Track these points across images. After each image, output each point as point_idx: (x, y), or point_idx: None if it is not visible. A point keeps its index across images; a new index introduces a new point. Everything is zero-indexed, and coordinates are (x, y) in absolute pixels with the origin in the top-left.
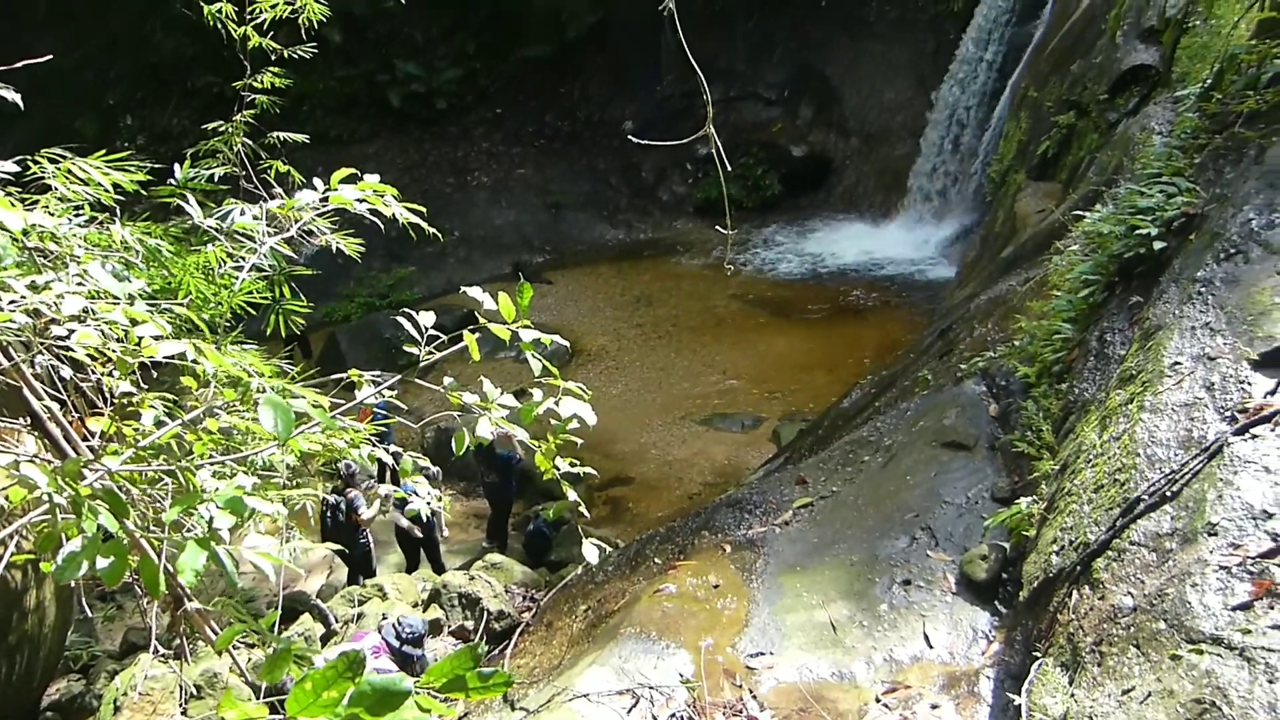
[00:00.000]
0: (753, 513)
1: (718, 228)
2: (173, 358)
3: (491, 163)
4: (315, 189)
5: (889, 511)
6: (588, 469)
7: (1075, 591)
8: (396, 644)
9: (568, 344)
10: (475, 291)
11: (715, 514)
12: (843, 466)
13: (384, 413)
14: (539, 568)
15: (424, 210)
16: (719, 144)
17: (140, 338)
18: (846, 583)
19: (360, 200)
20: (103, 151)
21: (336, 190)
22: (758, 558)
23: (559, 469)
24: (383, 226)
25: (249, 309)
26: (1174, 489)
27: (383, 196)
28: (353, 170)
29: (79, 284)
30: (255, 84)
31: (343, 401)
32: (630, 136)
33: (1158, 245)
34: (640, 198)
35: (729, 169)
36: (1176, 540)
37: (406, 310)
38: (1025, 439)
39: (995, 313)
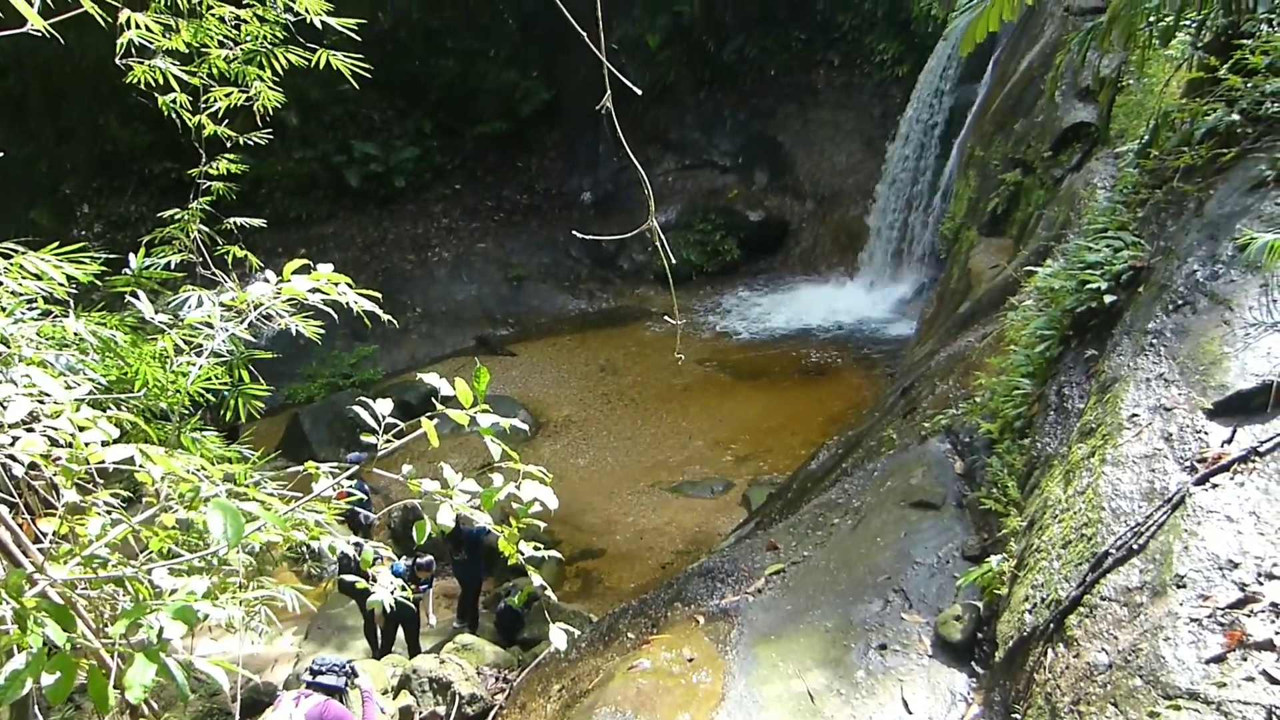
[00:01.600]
0: (725, 581)
1: (666, 318)
2: (121, 462)
3: (451, 238)
4: (268, 280)
5: (861, 575)
6: (552, 552)
7: (1050, 650)
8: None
9: (533, 416)
10: (431, 377)
11: (687, 584)
12: (813, 530)
13: (362, 493)
14: (511, 646)
15: (379, 296)
16: (663, 238)
17: (87, 443)
18: (822, 650)
19: (314, 290)
20: (55, 244)
21: (289, 282)
22: (732, 628)
23: (523, 553)
24: (343, 304)
25: (207, 396)
26: (1140, 542)
27: (337, 285)
28: (305, 261)
29: (27, 385)
30: (211, 171)
31: (299, 494)
32: (577, 233)
33: (1108, 299)
34: (601, 267)
35: (672, 261)
36: (1146, 594)
37: (363, 399)
38: (992, 496)
39: (955, 369)
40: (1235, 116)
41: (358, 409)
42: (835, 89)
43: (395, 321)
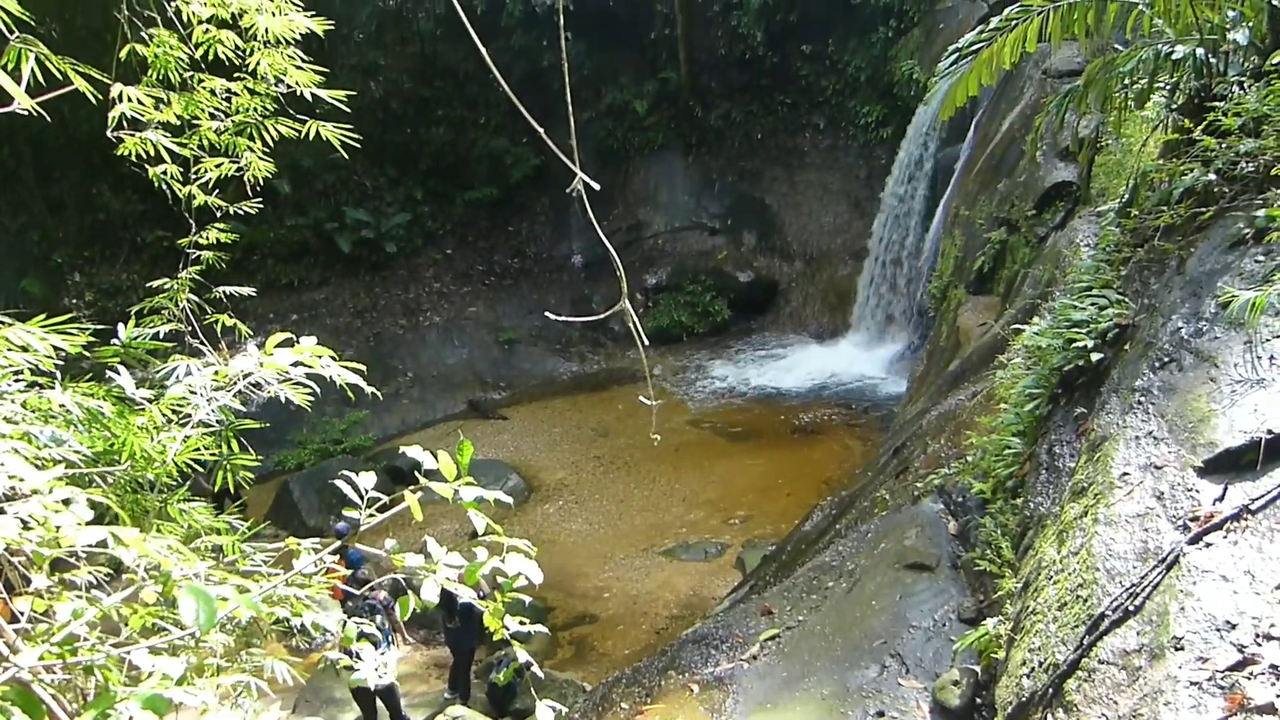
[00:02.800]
0: (719, 648)
1: (642, 399)
2: (94, 545)
3: (442, 302)
4: (252, 353)
5: (857, 639)
6: (539, 627)
7: (1049, 715)
8: None
9: (525, 480)
10: (415, 450)
11: (681, 651)
12: (808, 594)
13: (352, 559)
14: (503, 718)
15: (363, 369)
16: (635, 317)
17: (59, 526)
18: (819, 718)
19: (296, 364)
20: (43, 315)
21: (271, 356)
22: (726, 697)
23: (508, 628)
24: (327, 377)
25: (195, 466)
26: (1136, 603)
27: (320, 358)
28: (288, 334)
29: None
30: (201, 240)
31: (284, 570)
32: (550, 314)
33: (1095, 357)
34: (592, 330)
35: (646, 342)
36: (1145, 656)
37: (345, 473)
38: (986, 557)
39: (946, 428)
40: (1211, 176)
41: (340, 483)
42: (821, 151)
43: (379, 394)
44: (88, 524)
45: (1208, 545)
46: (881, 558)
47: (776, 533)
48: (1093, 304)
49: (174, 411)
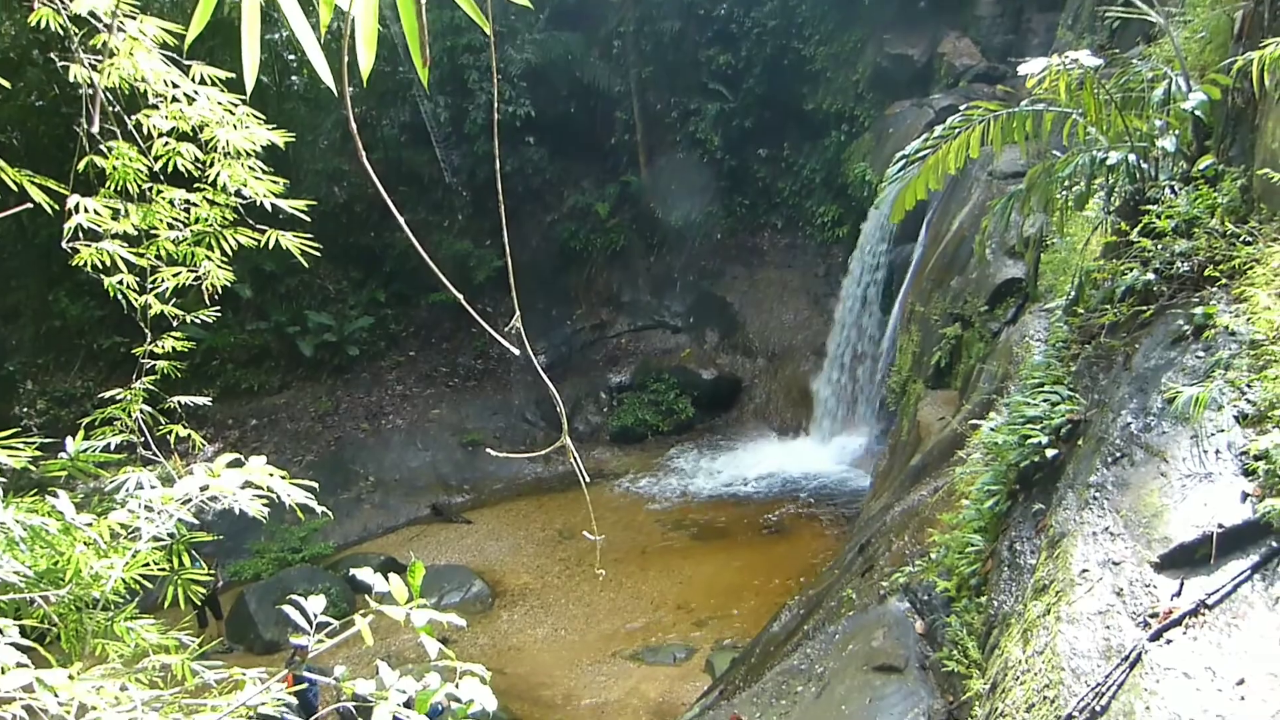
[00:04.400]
0: None
1: (586, 534)
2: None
3: (405, 405)
4: (198, 476)
5: None
6: None
7: None
8: None
9: (489, 586)
10: (365, 574)
11: None
12: (777, 699)
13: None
14: None
15: (315, 486)
16: (577, 457)
17: None
18: None
19: (245, 486)
20: None
21: (219, 477)
22: None
23: None
24: (293, 473)
25: (145, 581)
26: (1103, 703)
27: (271, 477)
28: (236, 455)
29: None
30: (156, 349)
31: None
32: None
33: (1050, 453)
34: (556, 430)
35: (588, 479)
36: None
37: (293, 598)
38: (953, 657)
39: (910, 525)
40: (1151, 276)
41: (287, 609)
42: (780, 250)
43: (334, 507)
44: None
45: (1168, 642)
46: (850, 660)
47: (745, 633)
48: (1045, 400)
49: (123, 526)
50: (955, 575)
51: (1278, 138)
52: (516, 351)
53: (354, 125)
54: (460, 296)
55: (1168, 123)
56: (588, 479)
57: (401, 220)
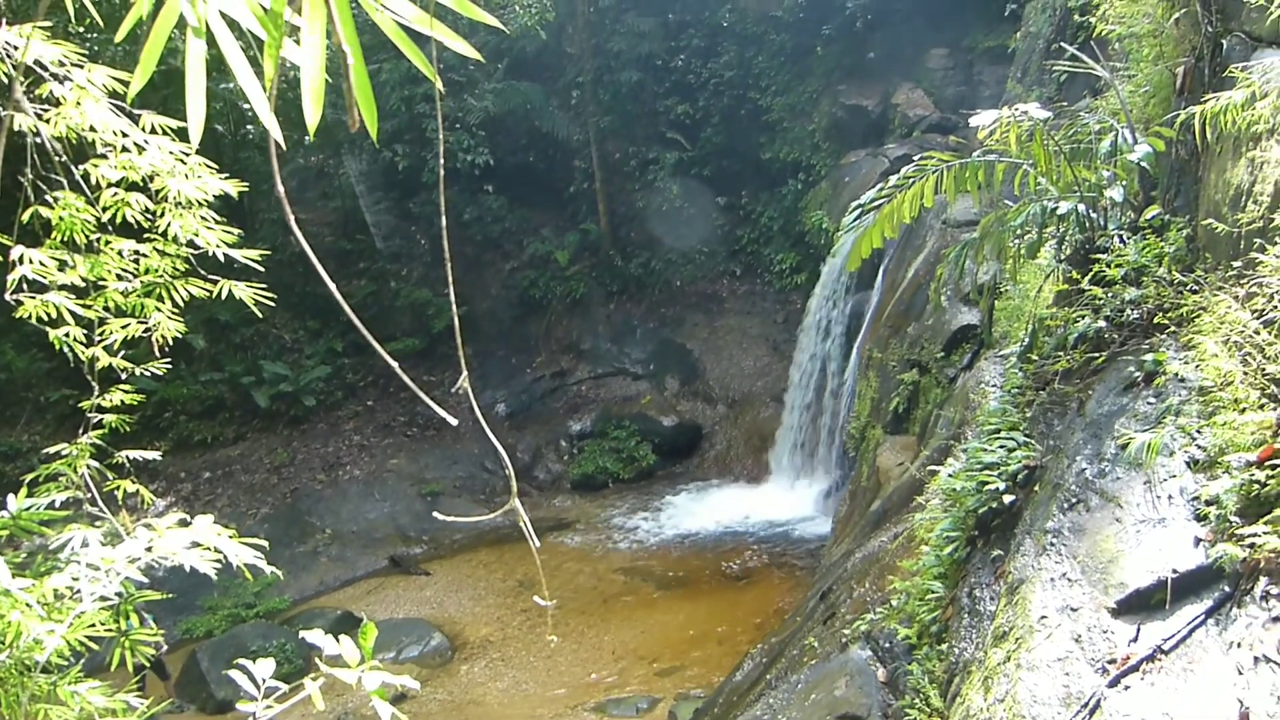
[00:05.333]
0: None
1: (537, 599)
2: None
3: (363, 455)
4: (142, 539)
5: None
6: None
7: None
8: None
9: (449, 639)
10: (316, 635)
11: None
12: None
13: None
14: None
15: (265, 545)
16: (525, 516)
17: None
18: None
19: (193, 546)
20: None
21: (163, 538)
22: None
23: None
24: (247, 526)
25: (92, 644)
26: None
27: (220, 537)
28: (182, 516)
29: None
30: (104, 403)
31: None
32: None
33: (1007, 499)
34: (517, 479)
35: (537, 544)
36: None
37: (241, 662)
38: (915, 705)
39: (871, 571)
40: (1102, 323)
41: (234, 674)
42: (739, 297)
43: (279, 573)
44: None
45: (1126, 688)
46: (813, 709)
47: (709, 683)
48: (1001, 446)
49: (68, 587)
50: (916, 622)
51: (1220, 189)
52: (454, 422)
53: (281, 189)
54: (392, 361)
55: (1115, 174)
56: (537, 544)
57: (336, 291)
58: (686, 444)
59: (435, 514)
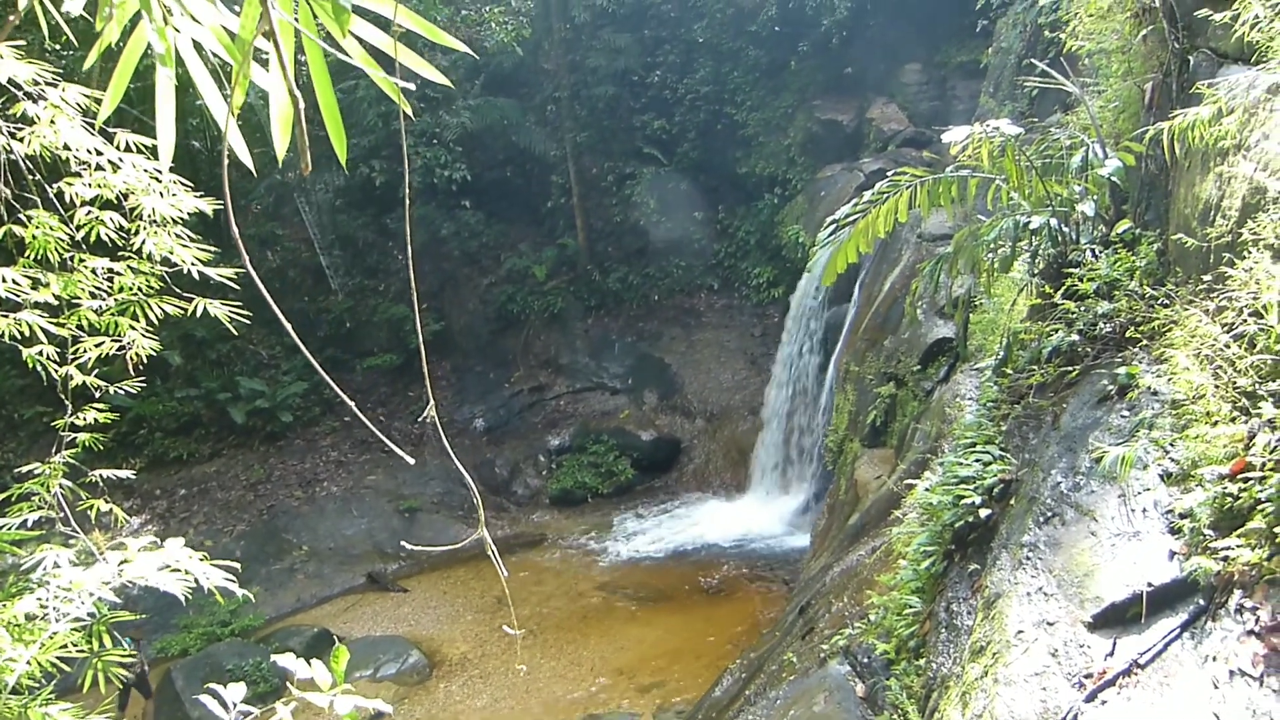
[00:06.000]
0: None
1: (506, 628)
2: None
3: (340, 472)
4: (112, 562)
5: None
6: None
7: None
8: None
9: (427, 656)
10: (288, 660)
11: None
12: None
13: None
14: None
15: (237, 567)
16: (495, 551)
17: None
18: None
19: (164, 568)
20: None
21: (133, 562)
22: None
23: None
24: (223, 544)
25: (63, 665)
26: None
27: (191, 559)
28: (154, 538)
29: None
30: (78, 421)
31: None
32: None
33: (983, 513)
34: (495, 494)
35: (505, 573)
36: None
37: (212, 687)
38: None
39: (849, 585)
40: (1075, 337)
41: (204, 699)
42: (717, 311)
43: (251, 596)
44: None
45: (1103, 703)
46: None
47: (688, 699)
48: (977, 460)
49: (39, 608)
50: (894, 637)
51: (1189, 203)
52: (411, 461)
53: (235, 229)
54: (347, 399)
55: (1086, 188)
56: (505, 573)
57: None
58: (665, 458)
59: (404, 544)
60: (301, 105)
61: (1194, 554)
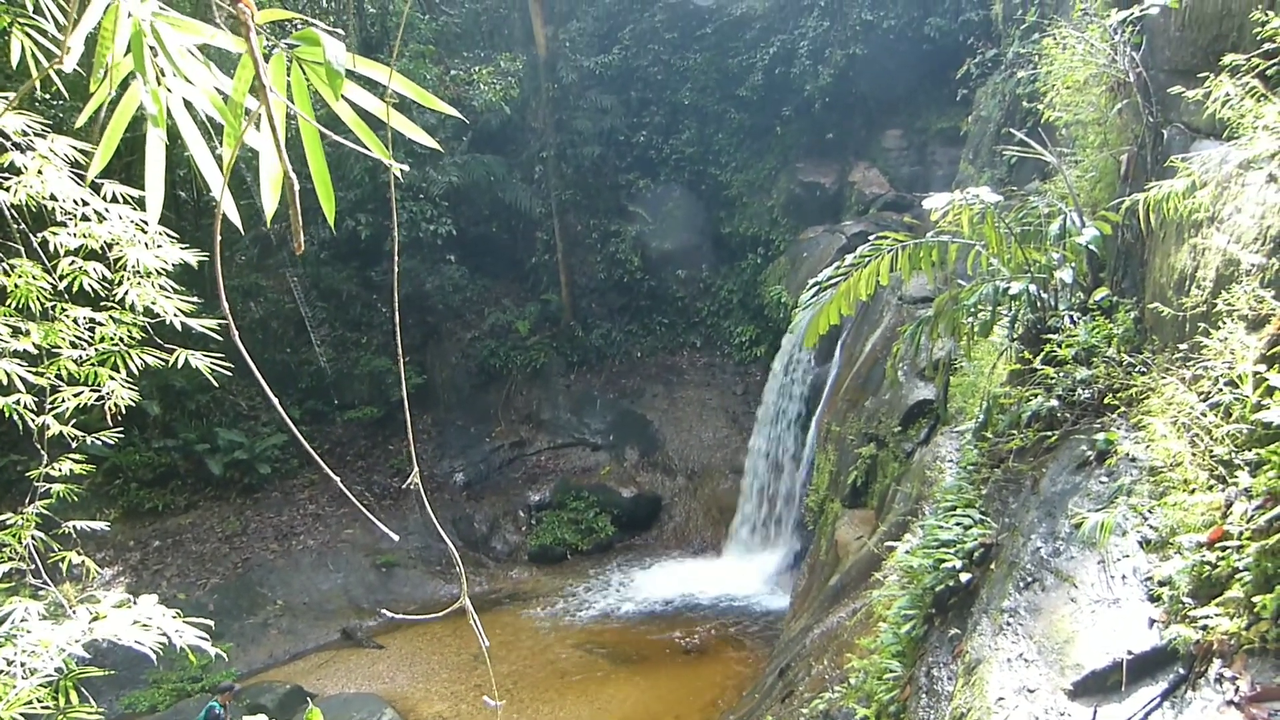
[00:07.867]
0: None
1: (486, 699)
2: None
3: (317, 525)
4: (82, 619)
5: None
6: None
7: None
8: None
9: (401, 716)
10: None
11: None
12: None
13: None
14: None
15: (210, 624)
16: (477, 619)
17: None
18: None
19: (135, 623)
20: None
21: (104, 620)
22: None
23: None
24: (196, 597)
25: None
26: None
27: (163, 616)
28: (126, 596)
29: None
30: (53, 472)
31: None
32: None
33: (964, 577)
34: (474, 550)
35: (487, 643)
36: None
37: None
38: None
39: (830, 648)
40: (1054, 402)
41: None
42: (699, 369)
43: (225, 654)
44: None
45: None
46: None
47: None
48: (958, 524)
49: (7, 663)
50: (874, 702)
51: (1165, 273)
52: (395, 538)
53: (221, 284)
54: (321, 461)
55: (1064, 256)
56: (487, 643)
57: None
58: (645, 515)
59: (383, 611)
60: (296, 187)
61: (1173, 622)
